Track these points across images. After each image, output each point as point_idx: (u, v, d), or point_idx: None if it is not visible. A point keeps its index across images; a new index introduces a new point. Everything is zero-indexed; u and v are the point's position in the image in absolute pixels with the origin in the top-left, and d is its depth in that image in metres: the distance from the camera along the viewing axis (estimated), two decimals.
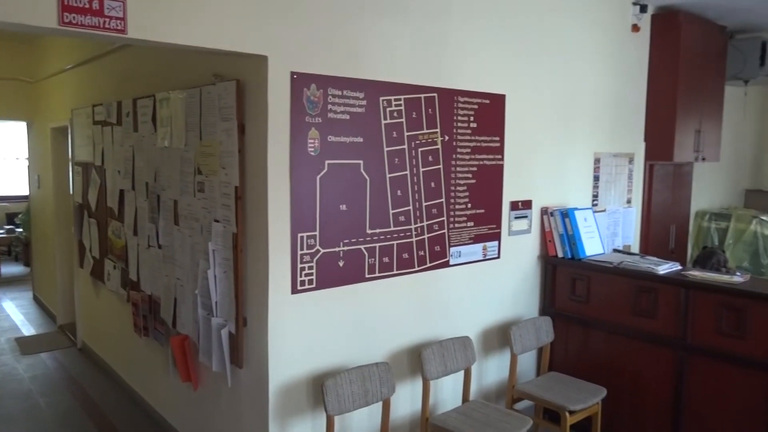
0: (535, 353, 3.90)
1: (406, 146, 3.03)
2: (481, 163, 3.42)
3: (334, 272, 2.82)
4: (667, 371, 3.32)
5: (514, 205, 3.67)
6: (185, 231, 3.23)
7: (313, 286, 2.75)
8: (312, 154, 2.67)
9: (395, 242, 3.04)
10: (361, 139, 2.84)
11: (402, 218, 3.05)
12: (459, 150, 3.29)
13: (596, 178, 4.24)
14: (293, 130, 2.60)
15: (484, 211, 3.47)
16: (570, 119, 3.95)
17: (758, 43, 5.05)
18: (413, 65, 3.03)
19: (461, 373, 3.30)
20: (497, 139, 3.49)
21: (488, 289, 3.58)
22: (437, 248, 3.25)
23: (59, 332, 5.87)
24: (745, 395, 3.03)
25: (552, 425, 3.40)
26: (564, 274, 3.82)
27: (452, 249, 3.33)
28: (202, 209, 3.04)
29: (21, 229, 8.87)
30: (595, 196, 4.25)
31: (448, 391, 3.40)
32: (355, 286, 2.91)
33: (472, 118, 3.33)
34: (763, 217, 5.37)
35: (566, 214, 3.79)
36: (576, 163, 4.06)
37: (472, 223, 3.41)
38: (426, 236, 3.18)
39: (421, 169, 3.11)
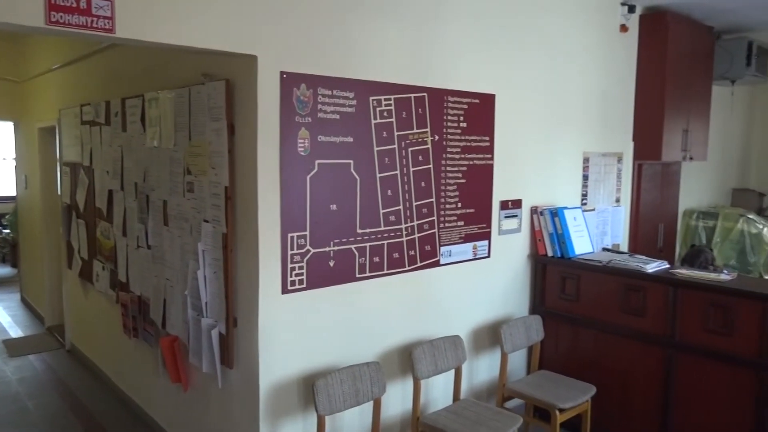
0: (526, 352, 3.92)
1: (396, 146, 3.03)
2: (471, 162, 3.43)
3: (324, 272, 2.82)
4: (656, 369, 3.35)
5: (504, 205, 3.68)
6: (175, 231, 3.21)
7: (304, 286, 2.75)
8: (302, 153, 2.67)
9: (386, 242, 3.04)
10: (351, 139, 2.84)
11: (392, 218, 3.05)
12: (449, 150, 3.30)
13: (585, 178, 4.26)
14: (283, 130, 2.60)
15: (474, 210, 3.48)
16: (559, 119, 3.97)
17: (744, 43, 5.10)
18: (403, 65, 3.04)
19: (452, 372, 3.31)
20: (487, 138, 3.50)
21: (478, 288, 3.59)
22: (428, 248, 3.25)
23: (47, 334, 5.82)
24: (732, 392, 3.06)
25: (542, 423, 3.41)
26: (554, 273, 3.84)
27: (443, 248, 3.33)
28: (191, 209, 3.03)
29: (8, 230, 8.79)
30: (584, 196, 4.28)
31: (438, 390, 3.41)
32: (346, 286, 2.91)
33: (461, 118, 3.34)
34: (750, 216, 5.43)
35: (556, 213, 3.81)
36: (565, 163, 4.09)
37: (462, 223, 3.42)
38: (416, 236, 3.18)
39: (411, 169, 3.12)
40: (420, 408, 3.09)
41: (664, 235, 5.13)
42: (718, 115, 5.59)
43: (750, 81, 5.46)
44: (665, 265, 3.57)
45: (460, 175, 3.37)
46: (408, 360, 3.12)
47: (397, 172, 3.05)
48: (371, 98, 2.90)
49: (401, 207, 3.09)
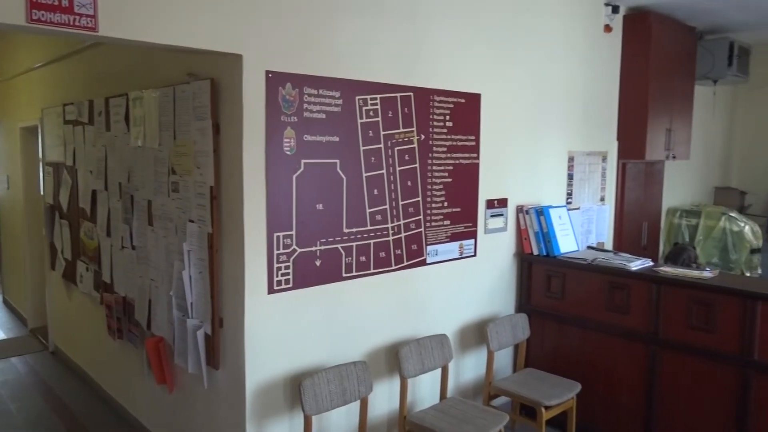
0: (512, 350, 3.94)
1: (382, 145, 3.03)
2: (457, 161, 3.44)
3: (310, 272, 2.81)
4: (640, 365, 3.38)
5: (490, 204, 3.70)
6: (159, 231, 3.19)
7: (290, 285, 2.74)
8: (288, 153, 2.66)
9: (372, 241, 3.04)
10: (337, 139, 2.84)
11: (379, 217, 3.06)
12: (435, 149, 3.31)
13: (570, 177, 4.29)
14: (269, 130, 2.59)
15: (460, 209, 3.49)
16: (544, 118, 4.00)
17: (726, 43, 5.17)
18: (389, 64, 3.04)
19: (439, 371, 3.32)
20: (473, 138, 3.52)
21: (465, 287, 3.61)
22: (414, 247, 3.26)
23: (30, 336, 5.75)
24: (714, 387, 3.10)
25: (528, 420, 3.44)
26: (539, 272, 3.86)
27: (429, 247, 3.34)
28: (176, 209, 3.01)
29: None
30: (570, 194, 4.31)
31: (425, 389, 3.42)
32: (332, 285, 2.91)
33: (447, 117, 3.35)
34: (732, 214, 5.50)
35: (541, 212, 3.83)
36: (550, 162, 4.11)
37: (448, 222, 3.43)
38: (403, 235, 3.19)
39: (398, 168, 3.12)
40: (407, 407, 3.09)
41: (648, 233, 5.18)
42: (700, 114, 5.66)
43: (731, 81, 5.53)
44: (649, 263, 3.61)
45: (446, 174, 3.38)
46: (395, 359, 3.12)
47: (384, 171, 3.06)
48: (357, 98, 2.90)
49: (388, 206, 3.09)
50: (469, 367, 3.71)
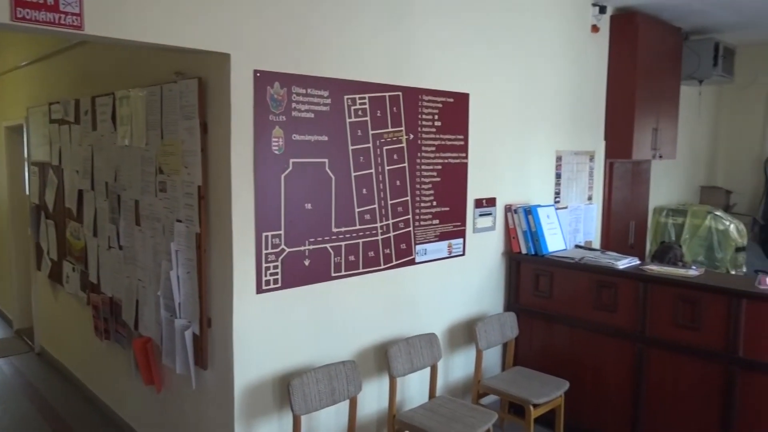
0: (500, 348, 3.96)
1: (371, 145, 3.03)
2: (446, 161, 3.45)
3: (299, 271, 2.81)
4: (627, 363, 3.41)
5: (479, 203, 3.71)
6: (147, 231, 3.17)
7: (279, 285, 2.74)
8: (276, 152, 2.66)
9: (361, 240, 3.04)
10: (325, 138, 2.84)
11: (367, 216, 3.06)
12: (424, 148, 3.31)
13: (558, 176, 4.32)
14: (257, 129, 2.58)
15: (449, 208, 3.50)
16: (532, 118, 4.02)
17: (711, 44, 5.23)
18: (378, 64, 3.04)
19: (428, 370, 3.33)
20: (461, 137, 3.53)
21: (454, 286, 3.62)
22: (403, 246, 3.26)
23: (16, 337, 5.69)
24: (700, 384, 3.14)
25: (517, 419, 3.45)
26: (528, 270, 3.88)
27: (418, 247, 3.35)
28: (164, 209, 2.99)
29: None
30: (557, 194, 4.34)
31: (414, 388, 3.43)
32: (321, 285, 2.91)
33: (436, 117, 3.36)
34: (717, 213, 5.56)
35: (529, 211, 3.85)
36: (538, 161, 4.14)
37: (437, 221, 3.44)
38: (392, 234, 3.19)
39: (386, 168, 3.12)
40: (396, 406, 3.10)
41: (635, 232, 5.23)
42: (686, 114, 5.72)
43: (717, 81, 5.59)
44: (636, 261, 3.64)
45: (435, 173, 3.39)
46: (384, 358, 3.12)
47: (372, 170, 3.06)
48: (346, 97, 2.90)
49: (376, 206, 3.09)
50: (458, 366, 3.73)
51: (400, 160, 3.19)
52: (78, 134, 3.90)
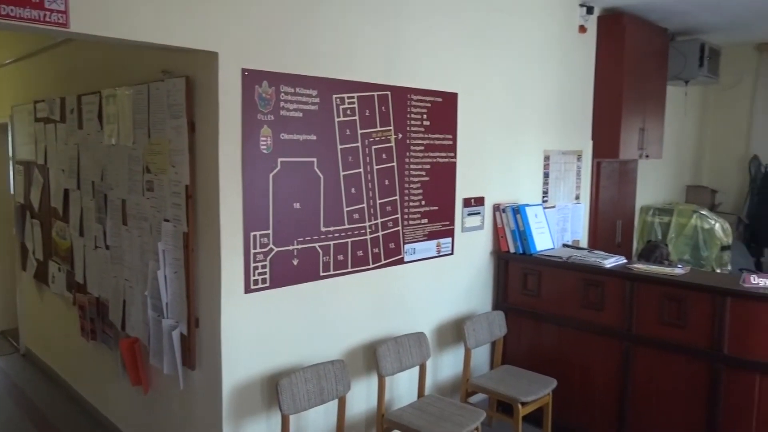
0: (489, 347, 3.98)
1: (359, 144, 3.03)
2: (435, 160, 3.46)
3: (288, 271, 2.80)
4: (614, 361, 3.44)
5: (467, 202, 3.72)
6: (134, 231, 3.15)
7: (267, 285, 2.73)
8: (264, 152, 2.65)
9: (349, 240, 3.04)
10: (314, 137, 2.83)
11: (356, 216, 3.06)
12: (412, 148, 3.32)
13: (546, 175, 4.34)
14: (245, 128, 2.57)
15: (437, 208, 3.51)
16: (520, 118, 4.04)
17: (697, 44, 5.28)
18: (366, 63, 3.04)
19: (416, 369, 3.33)
20: (450, 137, 3.54)
21: (442, 285, 3.63)
22: (392, 245, 3.27)
23: (1, 338, 5.62)
24: (685, 381, 3.17)
25: (505, 417, 3.47)
26: (516, 269, 3.90)
27: (406, 246, 3.35)
28: (151, 208, 2.97)
29: None
30: (545, 193, 4.36)
31: (403, 387, 3.43)
32: (310, 284, 2.90)
33: (425, 116, 3.36)
34: (703, 212, 5.61)
35: (518, 211, 3.87)
36: (526, 161, 4.16)
37: (426, 220, 3.45)
38: (380, 233, 3.19)
39: (375, 167, 3.13)
40: (385, 405, 3.10)
41: (622, 230, 5.27)
42: (672, 114, 5.77)
43: (702, 81, 5.65)
44: (623, 260, 3.67)
45: (423, 173, 3.40)
46: (373, 357, 3.13)
47: (361, 170, 3.06)
48: (334, 96, 2.90)
49: (365, 205, 3.09)
50: (446, 365, 3.74)
51: (389, 160, 3.19)
52: (64, 133, 3.86)
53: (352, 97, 2.98)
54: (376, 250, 3.18)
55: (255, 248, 2.66)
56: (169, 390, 3.02)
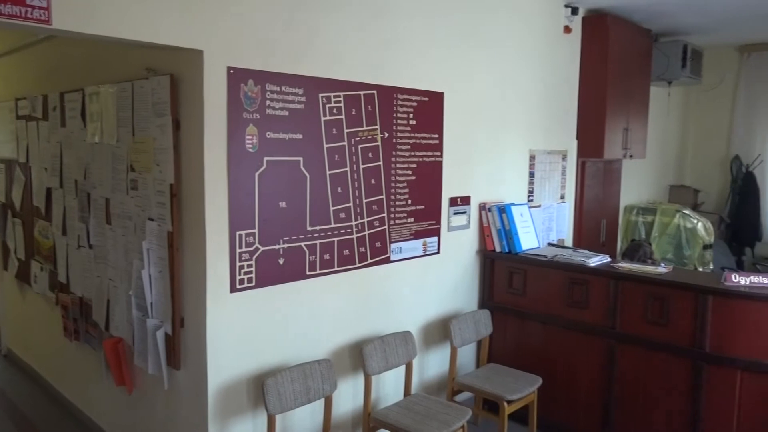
0: (475, 346, 3.99)
1: (346, 143, 3.03)
2: (421, 159, 3.46)
3: (274, 270, 2.79)
4: (599, 359, 3.47)
5: (453, 201, 3.74)
6: (118, 230, 3.12)
7: (253, 284, 2.72)
8: (250, 150, 2.64)
9: (336, 239, 3.04)
10: (300, 136, 2.82)
11: (342, 215, 3.05)
12: (399, 147, 3.32)
13: (531, 175, 4.37)
14: (230, 127, 2.56)
15: (423, 207, 3.52)
16: (506, 117, 4.06)
17: (680, 46, 5.34)
18: (353, 62, 3.04)
19: (403, 368, 3.34)
20: (436, 136, 3.54)
21: (429, 284, 3.64)
22: (378, 244, 3.27)
23: None
24: (669, 378, 3.21)
25: (491, 415, 3.49)
26: (501, 268, 3.92)
27: (393, 245, 3.36)
28: (135, 207, 2.95)
29: None
30: (531, 192, 4.38)
31: (390, 386, 3.43)
32: (296, 283, 2.90)
33: (411, 116, 3.37)
34: (686, 211, 5.68)
35: (503, 210, 3.89)
36: (512, 160, 4.18)
37: (412, 219, 3.45)
38: (367, 233, 3.19)
39: (362, 166, 3.12)
40: (371, 404, 3.10)
41: (606, 230, 5.32)
42: (656, 114, 5.83)
43: (685, 82, 5.71)
44: (607, 259, 3.70)
45: (409, 172, 3.40)
46: (359, 356, 3.13)
47: (347, 169, 3.05)
48: (320, 95, 2.89)
49: (351, 204, 3.09)
50: (432, 364, 3.75)
51: (375, 159, 3.19)
52: (46, 131, 3.81)
53: (339, 96, 2.97)
54: (362, 250, 3.18)
55: (241, 247, 2.65)
56: (154, 390, 3.00)
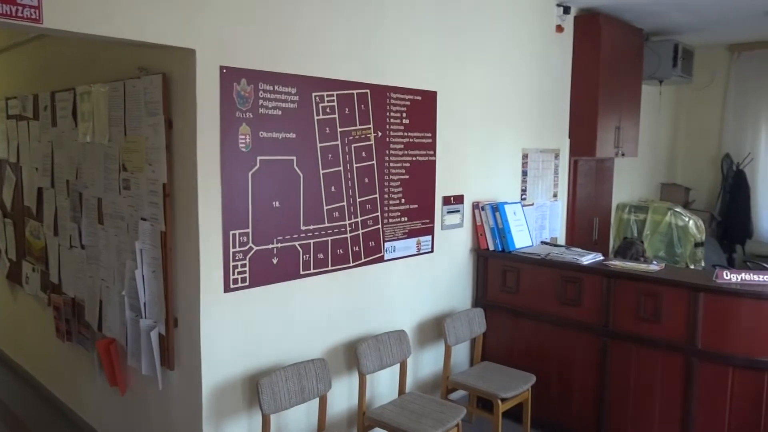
0: (469, 344, 4.00)
1: (339, 142, 3.03)
2: (414, 158, 3.47)
3: (268, 269, 2.78)
4: (592, 356, 3.49)
5: (447, 200, 3.74)
6: (110, 230, 3.10)
7: (247, 284, 2.71)
8: (243, 150, 2.63)
9: (330, 238, 3.03)
10: (293, 135, 2.82)
11: (336, 214, 3.05)
12: (392, 146, 3.32)
13: (524, 173, 4.38)
14: (223, 126, 2.55)
15: (417, 206, 3.52)
16: (499, 116, 4.07)
17: (671, 45, 5.38)
18: (346, 61, 3.03)
19: (397, 366, 3.34)
20: (429, 135, 3.55)
21: (422, 282, 3.64)
22: (372, 243, 3.27)
23: None
24: (661, 375, 3.23)
25: (485, 413, 3.50)
26: (495, 267, 3.93)
27: (387, 244, 3.36)
28: (128, 207, 2.93)
29: None
30: (524, 191, 4.40)
31: (384, 385, 3.44)
32: (290, 283, 2.89)
33: (404, 115, 3.37)
34: (677, 209, 5.71)
35: (496, 208, 3.90)
36: (505, 159, 4.19)
37: (405, 218, 3.46)
38: (360, 232, 3.19)
39: (355, 165, 3.12)
40: (366, 403, 3.10)
41: (599, 228, 5.34)
42: (647, 113, 5.86)
43: (676, 81, 5.75)
44: (600, 257, 3.72)
45: (403, 171, 3.40)
46: (353, 356, 3.13)
47: (341, 168, 3.05)
48: (314, 94, 2.89)
49: (345, 203, 3.09)
50: (427, 362, 3.75)
51: (369, 158, 3.19)
52: (37, 130, 3.79)
53: (332, 95, 2.97)
54: (356, 249, 3.18)
55: (234, 247, 2.64)
56: (148, 391, 2.99)
